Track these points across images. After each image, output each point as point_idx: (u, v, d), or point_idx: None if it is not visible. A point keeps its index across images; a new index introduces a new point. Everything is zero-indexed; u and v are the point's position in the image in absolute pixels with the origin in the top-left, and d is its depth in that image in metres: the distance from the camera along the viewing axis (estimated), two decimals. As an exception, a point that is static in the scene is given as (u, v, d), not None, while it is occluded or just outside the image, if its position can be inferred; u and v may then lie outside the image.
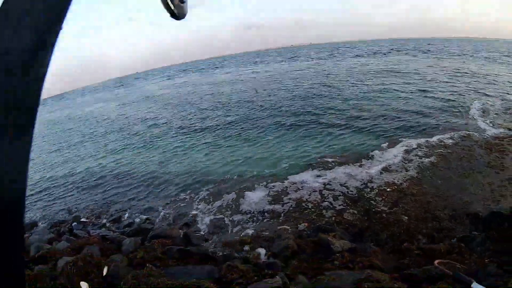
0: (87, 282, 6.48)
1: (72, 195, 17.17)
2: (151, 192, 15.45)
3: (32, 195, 18.12)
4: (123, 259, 7.84)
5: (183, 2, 0.92)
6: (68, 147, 28.75)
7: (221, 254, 8.24)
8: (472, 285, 4.99)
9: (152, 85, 74.37)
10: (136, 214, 13.40)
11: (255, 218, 11.50)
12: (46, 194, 18.00)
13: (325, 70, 51.33)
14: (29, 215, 15.63)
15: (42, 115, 57.73)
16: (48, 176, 20.97)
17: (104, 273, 6.89)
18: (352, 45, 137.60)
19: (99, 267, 7.10)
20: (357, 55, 77.45)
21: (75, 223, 13.36)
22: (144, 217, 13.01)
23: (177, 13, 0.93)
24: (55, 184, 19.20)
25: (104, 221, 13.32)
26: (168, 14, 0.95)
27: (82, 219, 13.94)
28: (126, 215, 13.62)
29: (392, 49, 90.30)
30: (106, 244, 9.92)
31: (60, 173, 21.18)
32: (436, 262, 6.25)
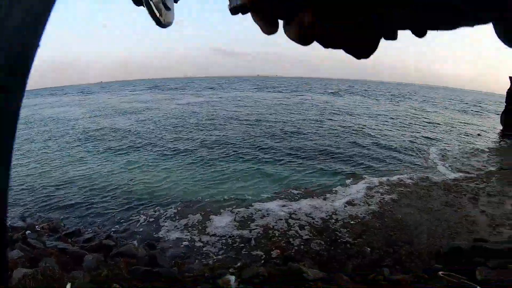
0: None
1: (27, 200, 16.03)
2: (114, 206, 14.81)
3: None
4: (85, 276, 7.40)
5: (169, 9, 0.85)
6: (29, 148, 27.20)
7: (189, 278, 7.96)
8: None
9: (117, 98, 73.56)
10: (97, 229, 12.75)
11: (223, 242, 11.34)
12: None
13: (290, 104, 52.82)
14: None
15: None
16: None
17: None
18: (313, 82, 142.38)
19: (61, 283, 6.68)
20: (321, 93, 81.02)
21: (29, 232, 12.18)
22: (106, 232, 12.39)
23: (163, 21, 0.89)
24: (10, 186, 18.03)
25: (62, 232, 12.42)
26: (154, 22, 0.89)
27: (37, 228, 12.97)
28: (86, 228, 12.95)
29: (349, 90, 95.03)
30: (65, 258, 9.32)
31: (17, 175, 19.93)
32: (440, 273, 6.57)
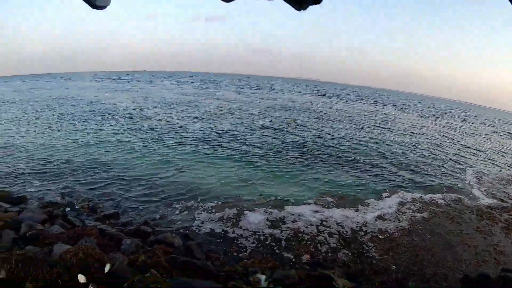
0: (85, 276, 6.05)
1: (67, 179, 16.72)
2: (153, 194, 15.42)
3: (26, 169, 17.82)
4: (124, 259, 7.57)
5: None
6: (76, 128, 28.40)
7: (223, 273, 8.16)
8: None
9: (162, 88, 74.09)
10: (134, 214, 13.28)
11: (255, 238, 11.81)
12: (40, 172, 17.55)
13: (333, 110, 52.36)
14: (20, 189, 15.21)
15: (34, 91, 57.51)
16: (47, 155, 20.45)
17: (106, 271, 6.50)
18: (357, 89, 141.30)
19: (101, 262, 6.72)
20: (362, 101, 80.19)
21: (68, 209, 12.83)
22: (143, 218, 12.87)
23: (96, 2, 0.87)
24: (52, 165, 18.72)
25: (101, 214, 12.99)
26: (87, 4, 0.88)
27: (76, 207, 13.45)
28: (124, 212, 13.45)
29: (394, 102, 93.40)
30: (104, 239, 9.57)
31: (60, 155, 20.60)
32: None
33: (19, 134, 25.74)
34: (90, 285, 5.83)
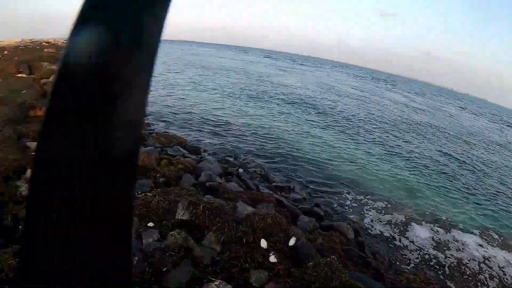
0: (267, 243, 6.30)
1: (239, 143, 18.47)
2: (323, 178, 16.27)
3: (200, 125, 20.30)
4: (303, 236, 7.59)
5: None
6: (245, 100, 30.87)
7: (389, 280, 8.45)
8: None
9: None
10: (304, 194, 14.19)
11: (419, 255, 12.02)
12: (213, 131, 19.73)
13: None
14: (194, 141, 17.25)
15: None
16: (219, 116, 22.97)
17: (291, 244, 6.64)
18: None
19: (285, 234, 6.85)
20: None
21: (241, 170, 13.67)
22: (314, 200, 13.65)
23: None
24: (224, 127, 20.93)
25: (272, 183, 13.86)
26: None
27: (249, 170, 14.52)
28: (295, 188, 14.44)
29: None
30: (281, 210, 9.85)
31: (231, 119, 22.90)
32: None
33: (195, 94, 29.20)
34: (272, 253, 6.07)
